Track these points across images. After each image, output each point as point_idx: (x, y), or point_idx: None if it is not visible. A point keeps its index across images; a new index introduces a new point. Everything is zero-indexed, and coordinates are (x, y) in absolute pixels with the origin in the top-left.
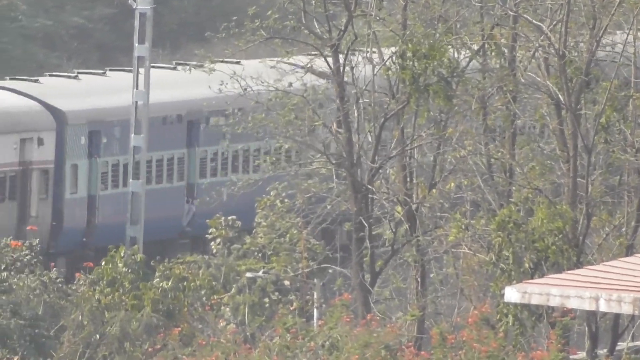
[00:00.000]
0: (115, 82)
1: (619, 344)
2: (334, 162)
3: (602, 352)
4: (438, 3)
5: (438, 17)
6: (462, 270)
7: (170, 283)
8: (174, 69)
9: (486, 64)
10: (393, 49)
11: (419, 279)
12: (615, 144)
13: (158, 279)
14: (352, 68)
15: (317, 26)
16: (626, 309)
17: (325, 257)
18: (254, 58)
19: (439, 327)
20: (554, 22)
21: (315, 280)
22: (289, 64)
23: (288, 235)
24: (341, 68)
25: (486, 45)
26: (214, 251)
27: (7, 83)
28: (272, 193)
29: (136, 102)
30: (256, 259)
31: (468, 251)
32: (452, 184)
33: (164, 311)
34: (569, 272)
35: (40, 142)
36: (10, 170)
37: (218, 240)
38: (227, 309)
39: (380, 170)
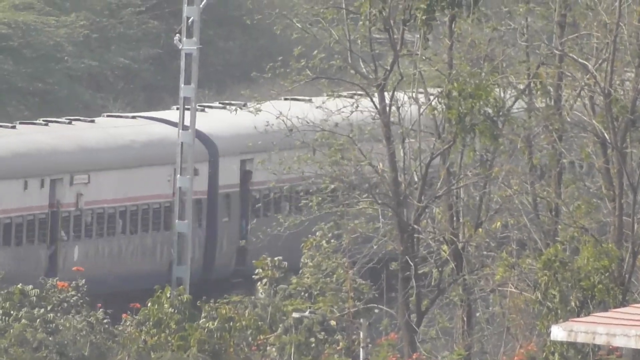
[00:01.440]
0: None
1: None
2: (380, 201)
3: None
4: (484, 42)
5: (484, 57)
6: (508, 309)
7: (216, 323)
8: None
9: (532, 103)
10: (439, 88)
11: (465, 318)
12: None
13: (204, 319)
14: (398, 108)
15: (363, 66)
16: None
17: (372, 297)
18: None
19: None
20: (600, 61)
21: (362, 320)
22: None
23: (335, 275)
24: (387, 107)
25: (532, 85)
26: (260, 291)
27: (161, 114)
28: (318, 233)
29: (182, 143)
30: (302, 299)
31: (514, 290)
32: (499, 223)
33: (210, 351)
34: (615, 310)
35: (195, 172)
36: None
37: (264, 280)
38: (274, 349)
39: (427, 210)
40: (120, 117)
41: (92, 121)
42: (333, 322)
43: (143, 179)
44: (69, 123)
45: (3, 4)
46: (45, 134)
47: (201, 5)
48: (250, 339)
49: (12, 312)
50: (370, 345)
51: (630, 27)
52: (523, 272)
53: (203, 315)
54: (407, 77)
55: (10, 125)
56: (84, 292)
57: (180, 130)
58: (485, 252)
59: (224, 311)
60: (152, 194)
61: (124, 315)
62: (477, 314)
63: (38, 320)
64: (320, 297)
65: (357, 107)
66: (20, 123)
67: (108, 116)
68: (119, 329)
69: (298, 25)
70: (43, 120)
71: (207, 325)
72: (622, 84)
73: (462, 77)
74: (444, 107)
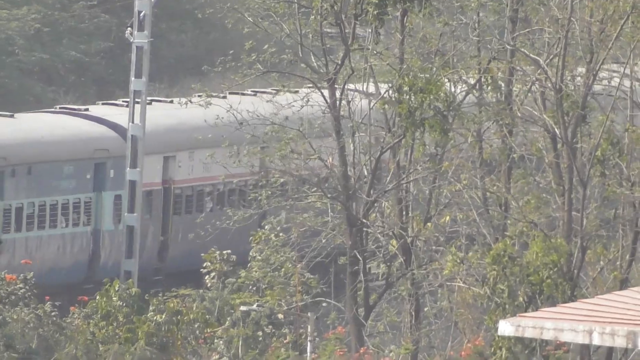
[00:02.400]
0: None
1: None
2: (329, 195)
3: None
4: (435, 37)
5: (435, 51)
6: (456, 303)
7: (164, 316)
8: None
9: (482, 98)
10: (390, 83)
11: (413, 313)
12: (611, 178)
13: (152, 313)
14: (348, 102)
15: (314, 60)
16: (619, 343)
17: (320, 290)
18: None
19: None
20: (551, 56)
21: (309, 314)
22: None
23: (283, 269)
24: (337, 102)
25: (483, 79)
26: (208, 285)
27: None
28: (266, 227)
29: (132, 136)
30: (250, 292)
31: (463, 285)
32: (448, 218)
33: (157, 344)
34: (563, 305)
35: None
36: None
37: (212, 274)
38: (221, 342)
39: (376, 204)
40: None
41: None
42: (281, 316)
43: None
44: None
45: None
46: None
47: None
48: (198, 332)
49: None
50: (317, 339)
51: (581, 23)
52: (471, 266)
53: (151, 308)
54: (358, 71)
55: None
56: (32, 284)
57: (130, 124)
58: (434, 247)
59: (172, 304)
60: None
61: (72, 308)
62: (425, 309)
63: None
64: (268, 291)
65: (308, 101)
66: None
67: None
68: (67, 321)
69: (249, 19)
70: None
71: (155, 318)
72: (573, 80)
73: (413, 71)
74: (394, 101)
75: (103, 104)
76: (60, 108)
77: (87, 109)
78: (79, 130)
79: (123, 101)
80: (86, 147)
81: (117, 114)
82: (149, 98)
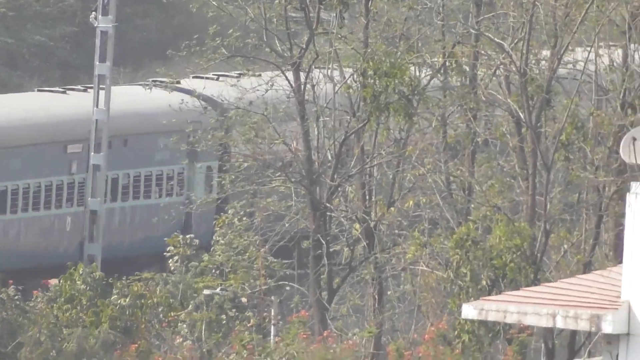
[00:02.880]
0: None
1: None
2: (293, 180)
3: None
4: (400, 21)
5: (399, 36)
6: (419, 287)
7: (128, 300)
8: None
9: (447, 82)
10: (354, 66)
11: (376, 296)
12: (575, 162)
13: (116, 296)
14: (313, 86)
15: (278, 44)
16: (583, 326)
17: (283, 274)
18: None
19: (396, 344)
20: (516, 40)
21: (273, 298)
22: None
23: (246, 253)
24: (302, 86)
25: (447, 64)
26: (172, 269)
27: None
28: (230, 211)
29: (96, 120)
30: (214, 276)
31: (426, 268)
32: (411, 202)
33: (121, 328)
34: (527, 289)
35: None
36: None
37: (176, 257)
38: (184, 326)
39: (339, 188)
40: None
41: None
42: (244, 299)
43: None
44: None
45: None
46: None
47: None
48: (161, 316)
49: None
50: (281, 322)
51: (546, 7)
52: (435, 250)
53: (115, 292)
54: (322, 55)
55: None
56: None
57: (95, 108)
58: (397, 231)
59: (136, 288)
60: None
61: (35, 292)
62: (389, 292)
63: None
64: (232, 275)
65: (272, 85)
66: None
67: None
68: (31, 305)
69: (214, 3)
70: None
71: (119, 302)
72: (538, 63)
73: (378, 55)
74: (358, 85)
75: (193, 77)
76: (153, 81)
77: (178, 82)
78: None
79: (213, 74)
80: (180, 120)
81: (207, 86)
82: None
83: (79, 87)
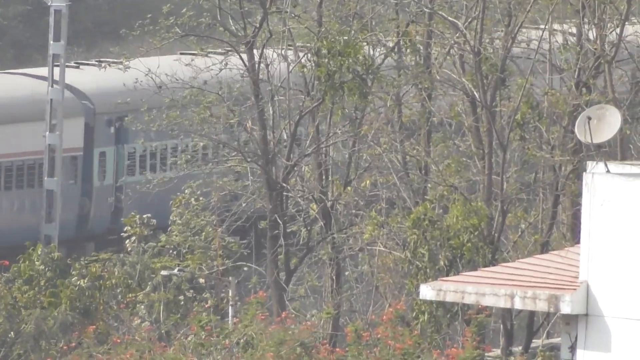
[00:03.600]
0: None
1: (533, 341)
2: (249, 159)
3: (517, 349)
4: (353, 0)
5: (353, 14)
6: (377, 267)
7: (86, 281)
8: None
9: (401, 61)
10: (308, 46)
11: (333, 277)
12: (531, 141)
13: (75, 277)
14: (267, 65)
15: (232, 23)
16: (541, 307)
17: (240, 255)
18: (170, 55)
19: (354, 325)
20: (470, 19)
21: (230, 278)
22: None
23: (203, 233)
24: (256, 65)
25: (401, 42)
26: (129, 249)
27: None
28: (186, 191)
29: (51, 100)
30: (171, 256)
31: (383, 249)
32: (368, 182)
33: (80, 309)
34: (484, 269)
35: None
36: None
37: (133, 238)
38: (142, 307)
39: (296, 168)
40: None
41: None
42: (202, 280)
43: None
44: None
45: None
46: None
47: None
48: (120, 297)
49: None
50: (238, 303)
51: None
52: (392, 230)
53: (74, 272)
54: (276, 34)
55: None
56: None
57: (50, 88)
58: (354, 211)
59: (94, 269)
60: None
61: None
62: (346, 273)
63: None
64: (189, 255)
65: (227, 64)
66: None
67: None
68: None
69: None
70: None
71: (78, 283)
72: (492, 43)
73: (331, 34)
74: (313, 64)
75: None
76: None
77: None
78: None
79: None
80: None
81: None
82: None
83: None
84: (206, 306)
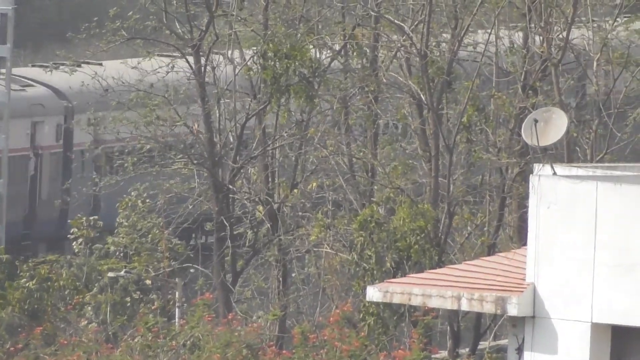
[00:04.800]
0: None
1: (480, 343)
2: (195, 162)
3: (464, 351)
4: (299, 3)
5: (299, 17)
6: (324, 269)
7: (34, 283)
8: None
9: (348, 64)
10: (254, 49)
11: (280, 279)
12: (477, 144)
13: (25, 279)
14: (213, 68)
15: (178, 26)
16: (488, 308)
17: (187, 256)
18: (116, 59)
19: (301, 327)
20: (416, 23)
21: (177, 280)
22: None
23: (150, 235)
24: (202, 68)
25: (348, 46)
26: (76, 251)
27: None
28: (133, 194)
29: None
30: (118, 258)
31: (330, 251)
32: (314, 184)
33: (28, 311)
34: (431, 271)
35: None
36: None
37: (80, 240)
38: (89, 309)
39: (242, 170)
40: None
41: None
42: (148, 282)
43: None
44: None
45: None
46: None
47: None
48: (67, 298)
49: None
50: (185, 304)
51: None
52: (339, 232)
53: (23, 274)
54: (222, 37)
55: None
56: None
57: None
58: (300, 213)
59: (43, 271)
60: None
61: None
62: (293, 275)
63: None
64: (136, 257)
65: (173, 67)
66: None
67: None
68: None
69: None
70: None
71: (27, 284)
72: (438, 46)
73: (278, 37)
74: (259, 67)
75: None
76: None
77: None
78: None
79: None
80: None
81: None
82: None
83: None
84: (153, 308)
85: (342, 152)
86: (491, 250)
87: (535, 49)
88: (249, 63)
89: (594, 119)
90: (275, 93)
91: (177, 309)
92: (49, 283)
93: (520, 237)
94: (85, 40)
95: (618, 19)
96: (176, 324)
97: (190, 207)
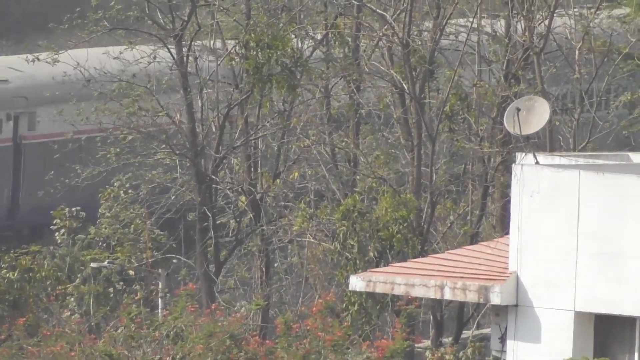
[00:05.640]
0: None
1: (464, 332)
2: (177, 152)
3: (447, 340)
4: None
5: (281, 7)
6: (306, 259)
7: (16, 274)
8: None
9: (330, 54)
10: (237, 39)
11: (263, 269)
12: (460, 133)
13: (5, 270)
14: (195, 58)
15: (160, 16)
16: (471, 298)
17: (170, 247)
18: (99, 47)
19: (284, 316)
20: (398, 12)
21: (160, 270)
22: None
23: (132, 225)
24: (185, 58)
25: (330, 35)
26: (59, 241)
27: None
28: (115, 184)
29: None
30: (101, 249)
31: (313, 240)
32: (297, 174)
33: (10, 302)
34: (414, 260)
35: None
36: None
37: (62, 230)
38: (72, 299)
39: (224, 160)
40: None
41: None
42: (131, 272)
43: None
44: None
45: None
46: None
47: None
48: (49, 289)
49: None
50: (168, 295)
51: None
52: (321, 222)
53: (4, 265)
54: (204, 27)
55: None
56: None
57: None
58: (283, 203)
59: (24, 262)
60: None
61: None
62: (276, 265)
63: None
64: (119, 248)
65: (155, 57)
66: None
67: None
68: None
69: None
70: None
71: (7, 275)
72: (420, 35)
73: (260, 27)
74: (241, 57)
75: None
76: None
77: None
78: None
79: None
80: None
81: None
82: None
83: None
84: (136, 298)
85: (324, 141)
86: (474, 239)
87: (518, 37)
88: (231, 53)
89: (576, 107)
90: (257, 83)
91: (160, 300)
92: (30, 274)
93: (503, 226)
94: (67, 30)
95: (600, 7)
96: (159, 314)
97: (172, 197)
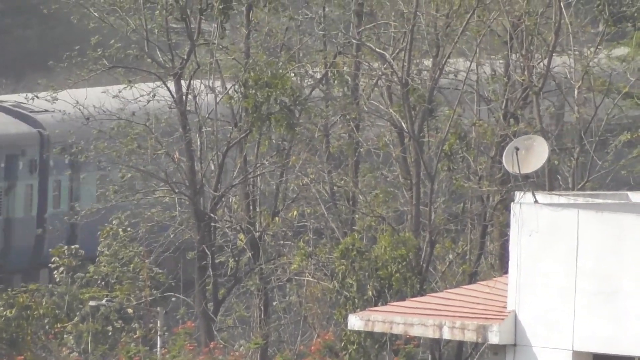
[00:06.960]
0: None
1: None
2: (176, 190)
3: None
4: (281, 31)
5: (281, 46)
6: (305, 298)
7: (14, 311)
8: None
9: (329, 92)
10: (236, 78)
11: (262, 307)
12: (459, 172)
13: (2, 307)
14: (194, 96)
15: (160, 55)
16: (469, 337)
17: (168, 285)
18: (97, 87)
19: (282, 355)
20: (397, 50)
21: (159, 309)
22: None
23: (131, 263)
24: (184, 96)
25: (329, 74)
26: (57, 280)
27: None
28: (114, 222)
29: None
30: (99, 287)
31: (311, 279)
32: (295, 212)
33: (7, 339)
34: (413, 299)
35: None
36: None
37: (61, 268)
38: (71, 337)
39: (223, 199)
40: None
41: None
42: (130, 311)
43: None
44: None
45: None
46: None
47: None
48: (47, 327)
49: None
50: (167, 333)
51: (427, 17)
52: (320, 261)
53: (1, 303)
54: (203, 66)
55: None
56: None
57: None
58: (282, 241)
59: (22, 299)
60: None
61: None
62: (274, 303)
63: None
64: (117, 286)
65: (154, 96)
66: None
67: None
68: None
69: (95, 14)
70: None
71: (5, 313)
72: (420, 73)
73: (259, 66)
74: (240, 96)
75: None
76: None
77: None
78: None
79: None
80: None
81: None
82: None
83: None
84: (134, 336)
85: (323, 180)
86: (472, 278)
87: (517, 76)
88: (230, 91)
89: (575, 147)
90: (256, 121)
91: (158, 338)
92: (28, 312)
93: (502, 265)
94: (66, 69)
95: (599, 47)
96: (158, 353)
97: (171, 235)
